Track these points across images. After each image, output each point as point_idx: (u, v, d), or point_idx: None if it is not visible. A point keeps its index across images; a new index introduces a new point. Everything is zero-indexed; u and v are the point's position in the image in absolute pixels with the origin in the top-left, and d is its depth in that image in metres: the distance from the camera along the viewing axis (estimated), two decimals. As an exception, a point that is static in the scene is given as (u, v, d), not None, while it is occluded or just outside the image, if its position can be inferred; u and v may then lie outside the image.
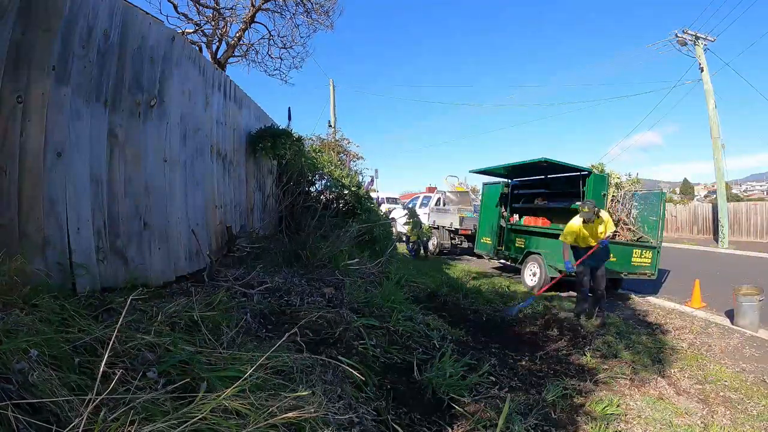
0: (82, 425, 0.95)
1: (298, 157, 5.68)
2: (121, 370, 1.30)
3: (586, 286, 4.82)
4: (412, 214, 10.61)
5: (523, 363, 3.01)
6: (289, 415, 1.21)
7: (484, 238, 8.39)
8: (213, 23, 7.61)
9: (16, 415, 0.96)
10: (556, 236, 6.57)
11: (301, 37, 8.81)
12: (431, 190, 15.36)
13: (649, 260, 6.35)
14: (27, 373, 1.14)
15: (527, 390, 2.47)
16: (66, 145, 2.19)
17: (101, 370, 1.10)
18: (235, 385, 1.24)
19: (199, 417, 1.08)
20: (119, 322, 1.34)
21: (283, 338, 1.73)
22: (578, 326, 4.09)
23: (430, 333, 3.03)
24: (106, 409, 1.07)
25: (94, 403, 1.03)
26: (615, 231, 6.16)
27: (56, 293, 1.89)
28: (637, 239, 6.60)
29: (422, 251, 9.92)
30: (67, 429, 0.95)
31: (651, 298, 6.24)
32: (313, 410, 1.27)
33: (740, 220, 16.85)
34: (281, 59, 8.65)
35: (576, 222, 4.78)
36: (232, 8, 7.70)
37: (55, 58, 2.11)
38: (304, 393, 1.36)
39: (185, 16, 7.39)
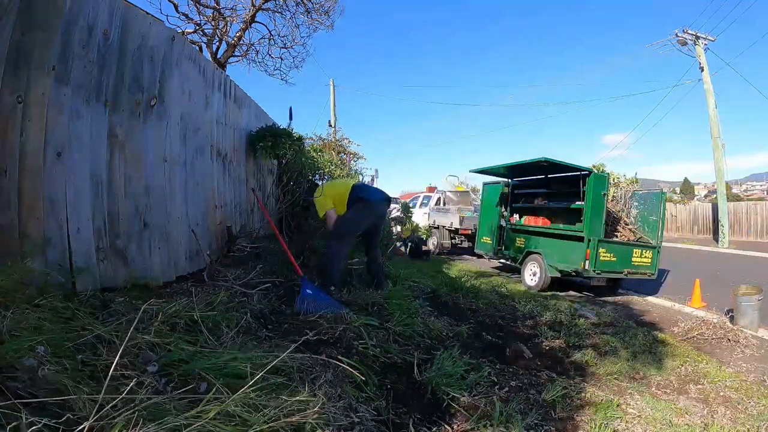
0: (88, 423, 0.96)
1: (299, 156, 5.68)
2: (126, 371, 1.31)
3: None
4: (405, 210, 10.55)
5: (523, 362, 3.01)
6: (291, 419, 1.21)
7: (484, 238, 8.40)
8: (213, 23, 7.61)
9: (24, 414, 0.96)
10: (557, 236, 6.59)
11: (302, 37, 8.84)
12: (431, 189, 15.35)
13: (649, 260, 6.35)
14: (36, 369, 1.14)
15: (527, 390, 2.47)
16: (66, 145, 2.19)
17: (111, 371, 1.10)
18: (241, 391, 1.24)
19: (203, 422, 1.08)
20: (133, 324, 1.35)
21: (291, 348, 1.73)
22: (577, 326, 4.09)
23: (431, 333, 3.03)
24: (110, 408, 1.07)
25: (108, 406, 1.03)
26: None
27: (57, 293, 1.90)
28: (637, 239, 6.61)
29: (417, 250, 9.44)
30: (77, 430, 0.95)
31: (651, 298, 6.24)
32: (314, 412, 1.27)
33: (740, 220, 16.87)
34: (281, 59, 8.66)
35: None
36: (232, 8, 7.71)
37: (55, 58, 2.11)
38: (304, 398, 1.36)
39: (185, 15, 7.39)
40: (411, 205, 13.49)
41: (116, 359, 1.13)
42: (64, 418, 0.99)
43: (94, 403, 1.04)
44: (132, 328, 1.33)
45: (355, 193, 3.84)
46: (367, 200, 3.81)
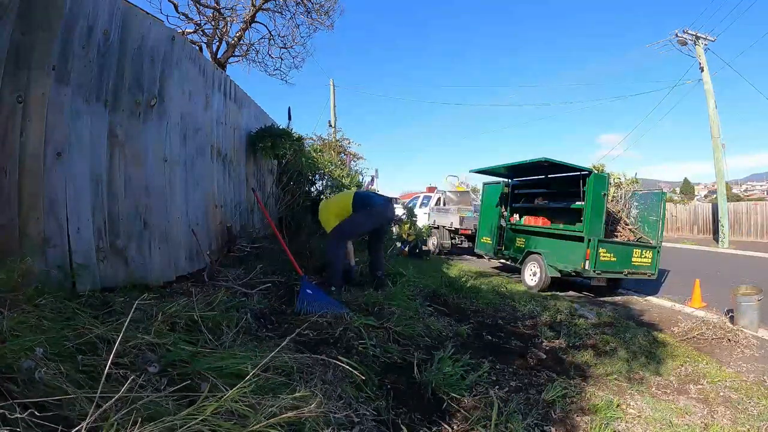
0: (85, 425, 0.95)
1: (299, 156, 5.68)
2: (126, 371, 1.31)
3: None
4: (410, 213, 10.52)
5: (523, 362, 3.01)
6: (289, 414, 1.21)
7: (484, 238, 8.39)
8: (213, 23, 7.62)
9: (20, 415, 0.96)
10: (557, 236, 6.59)
11: (301, 37, 8.85)
12: (431, 190, 15.35)
13: (650, 260, 6.35)
14: (33, 371, 1.14)
15: (527, 390, 2.47)
16: (66, 145, 2.19)
17: (106, 371, 1.10)
18: (238, 386, 1.24)
19: (201, 419, 1.08)
20: (126, 322, 1.34)
21: (286, 340, 1.73)
22: (577, 326, 4.09)
23: (431, 333, 3.03)
24: (110, 408, 1.07)
25: (105, 406, 1.03)
26: None
27: (57, 293, 1.90)
28: (637, 239, 6.60)
29: (417, 250, 9.52)
30: (74, 430, 0.95)
31: (651, 298, 6.24)
32: (312, 409, 1.27)
33: (740, 220, 16.87)
34: (281, 59, 8.68)
35: None
36: (232, 8, 7.73)
37: (55, 58, 2.11)
38: (302, 394, 1.36)
39: (185, 15, 7.41)
40: (410, 205, 13.47)
41: (110, 359, 1.13)
42: (62, 418, 0.99)
43: (91, 403, 1.04)
44: (125, 327, 1.32)
45: (359, 201, 3.87)
46: (373, 206, 3.85)
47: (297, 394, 1.34)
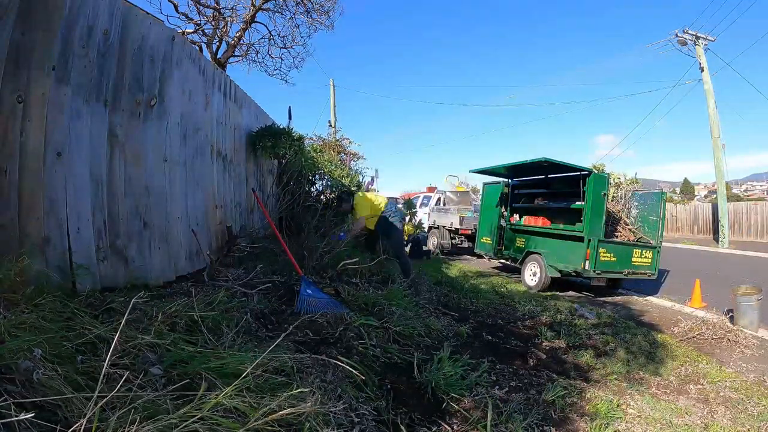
0: (83, 424, 0.95)
1: (299, 156, 5.68)
2: (126, 372, 1.31)
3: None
4: (410, 206, 10.45)
5: (523, 362, 3.01)
6: (286, 411, 1.20)
7: (484, 238, 8.39)
8: (213, 23, 7.61)
9: (18, 416, 0.96)
10: (557, 236, 6.59)
11: (302, 37, 8.83)
12: (431, 190, 15.33)
13: (650, 260, 6.35)
14: (31, 372, 1.14)
15: (527, 390, 2.47)
16: (66, 145, 2.19)
17: (104, 370, 1.10)
18: (235, 383, 1.24)
19: (199, 416, 1.08)
20: (122, 322, 1.34)
21: (281, 336, 1.73)
22: (577, 326, 4.09)
23: (431, 333, 3.03)
24: (108, 408, 1.07)
25: (101, 404, 1.03)
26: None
27: (57, 293, 1.89)
28: (637, 239, 6.60)
29: (417, 250, 9.34)
30: (71, 429, 0.95)
31: (651, 298, 6.24)
32: (310, 406, 1.27)
33: (740, 220, 16.87)
34: (281, 59, 8.66)
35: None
36: (232, 8, 7.71)
37: (55, 58, 2.11)
38: (299, 392, 1.36)
39: (185, 16, 7.39)
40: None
41: (108, 359, 1.13)
42: (60, 419, 0.99)
43: (89, 403, 1.04)
44: (121, 327, 1.32)
45: (385, 216, 4.94)
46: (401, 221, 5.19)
47: (295, 392, 1.34)
